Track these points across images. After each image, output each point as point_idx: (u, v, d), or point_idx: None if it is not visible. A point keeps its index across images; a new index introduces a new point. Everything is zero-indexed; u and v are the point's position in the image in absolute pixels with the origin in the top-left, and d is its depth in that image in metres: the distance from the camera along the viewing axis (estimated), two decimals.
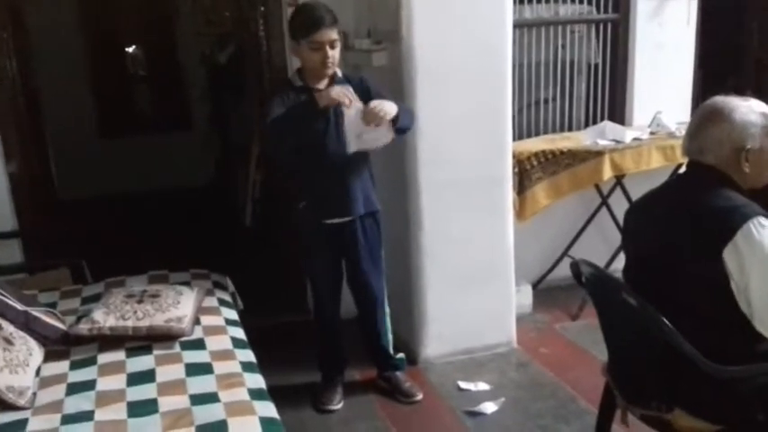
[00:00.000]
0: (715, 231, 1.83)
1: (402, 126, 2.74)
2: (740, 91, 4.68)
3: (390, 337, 3.12)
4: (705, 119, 1.99)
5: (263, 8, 3.69)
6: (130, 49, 6.67)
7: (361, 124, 2.65)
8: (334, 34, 2.67)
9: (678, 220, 1.96)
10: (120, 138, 6.52)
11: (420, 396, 3.07)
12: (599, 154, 3.57)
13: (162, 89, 6.71)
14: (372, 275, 2.96)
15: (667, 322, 1.84)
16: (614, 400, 2.28)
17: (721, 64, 4.55)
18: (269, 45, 3.69)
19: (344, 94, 2.60)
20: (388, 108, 2.63)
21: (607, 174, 3.58)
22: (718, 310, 1.87)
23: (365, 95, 2.72)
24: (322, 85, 2.76)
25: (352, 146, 2.70)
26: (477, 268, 3.30)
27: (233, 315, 2.64)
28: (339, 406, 3.04)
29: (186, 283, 2.81)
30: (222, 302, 2.70)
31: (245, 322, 2.76)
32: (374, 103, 2.62)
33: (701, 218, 1.90)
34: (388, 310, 3.09)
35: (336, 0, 3.49)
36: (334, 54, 2.69)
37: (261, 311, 3.74)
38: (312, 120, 2.65)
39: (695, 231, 1.90)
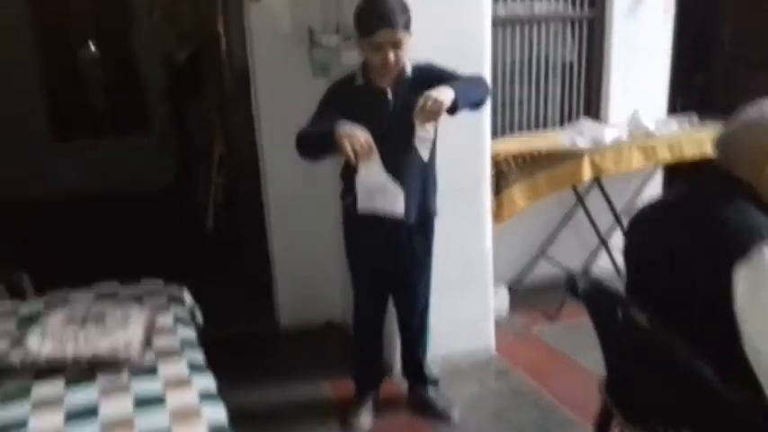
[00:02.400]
0: (730, 248, 1.61)
1: (469, 103, 2.34)
2: (708, 88, 4.65)
3: (428, 351, 2.84)
4: (745, 127, 1.76)
5: (221, 4, 3.36)
6: (85, 48, 6.23)
7: (371, 187, 2.34)
8: (398, 34, 2.29)
9: (693, 232, 1.73)
10: (73, 140, 6.10)
11: (456, 416, 2.78)
12: (578, 155, 3.34)
13: (118, 89, 6.29)
14: (418, 282, 2.67)
15: (684, 345, 1.60)
16: (610, 420, 2.05)
17: (691, 61, 4.37)
18: (229, 44, 3.36)
19: (361, 146, 2.19)
20: (444, 95, 2.22)
21: (586, 175, 3.36)
22: (724, 329, 1.65)
23: (430, 83, 2.32)
24: (387, 82, 2.40)
25: (363, 203, 2.39)
26: (453, 273, 3.04)
27: (190, 334, 2.32)
28: (369, 427, 2.73)
29: (138, 298, 2.48)
30: (178, 320, 2.37)
31: (205, 336, 2.49)
32: (424, 99, 2.22)
33: (717, 231, 1.67)
34: (430, 329, 2.80)
35: None
36: (398, 54, 2.31)
37: (223, 322, 3.45)
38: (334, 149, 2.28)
39: (710, 246, 1.67)
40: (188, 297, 2.66)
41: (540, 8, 3.72)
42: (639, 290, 1.93)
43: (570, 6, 3.77)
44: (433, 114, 2.23)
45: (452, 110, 2.27)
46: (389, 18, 2.27)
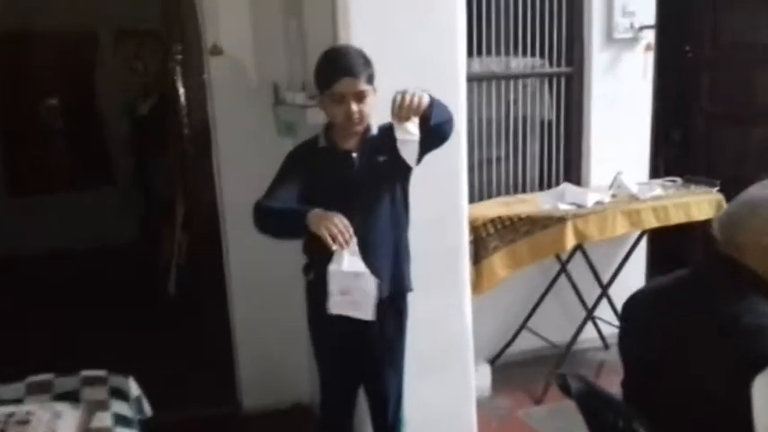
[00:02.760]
0: (746, 354, 1.39)
1: (438, 121, 2.07)
2: (686, 144, 4.53)
3: None
4: (753, 209, 1.55)
5: (179, 56, 3.15)
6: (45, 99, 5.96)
7: (347, 280, 2.06)
8: (360, 84, 2.10)
9: (699, 329, 1.51)
10: (32, 195, 5.80)
11: None
12: (561, 220, 3.14)
13: (80, 142, 6.01)
14: (390, 369, 2.36)
15: None
16: None
17: (667, 118, 4.26)
18: (188, 95, 3.14)
19: (339, 232, 1.97)
20: (419, 93, 2.01)
21: (570, 242, 3.15)
22: None
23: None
24: (351, 144, 2.19)
25: (335, 306, 2.09)
26: (430, 353, 2.75)
27: None
28: None
29: (74, 394, 2.17)
30: (119, 420, 2.07)
31: (158, 421, 2.27)
32: (400, 94, 2.00)
33: (729, 333, 1.45)
34: (405, 419, 2.50)
35: (265, 48, 3.08)
36: (362, 109, 2.12)
37: (179, 403, 3.15)
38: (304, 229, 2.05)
39: (721, 349, 1.45)
40: (134, 388, 2.37)
41: (516, 64, 3.56)
42: (639, 389, 1.72)
43: (548, 63, 3.62)
44: (412, 110, 2.00)
45: (425, 119, 2.06)
46: (350, 68, 2.10)
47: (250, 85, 3.07)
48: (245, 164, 3.10)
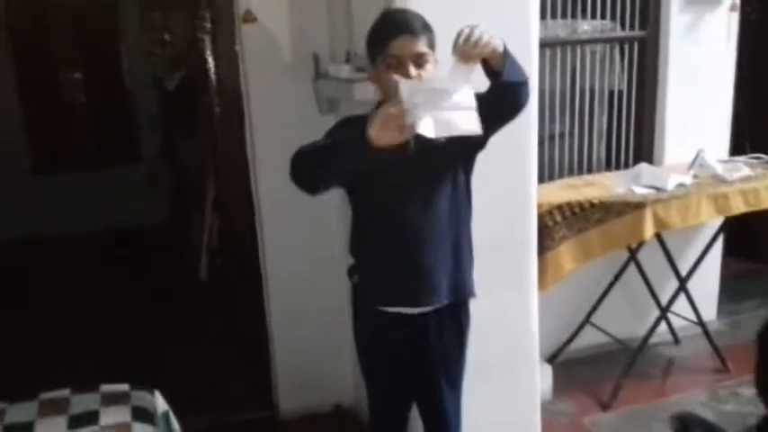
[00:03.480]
0: None
1: (511, 79, 1.67)
2: (763, 128, 4.05)
3: None
4: None
5: (209, 25, 2.80)
6: (69, 73, 5.67)
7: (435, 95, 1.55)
8: (420, 45, 1.73)
9: None
10: (56, 173, 5.54)
11: None
12: (639, 206, 2.74)
13: (106, 118, 5.72)
14: (446, 394, 2.01)
15: None
16: None
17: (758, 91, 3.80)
18: (218, 69, 2.80)
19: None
20: (492, 32, 1.62)
21: (649, 231, 2.76)
22: None
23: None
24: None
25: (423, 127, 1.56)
26: (492, 357, 2.42)
27: None
28: None
29: (92, 416, 1.89)
30: None
31: (186, 427, 2.03)
32: (468, 27, 1.62)
33: None
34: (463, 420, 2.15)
35: (304, 14, 2.72)
36: (422, 75, 1.72)
37: (209, 406, 2.88)
38: (361, 165, 1.70)
39: None
40: (160, 403, 2.08)
41: (583, 28, 3.14)
42: None
43: (618, 26, 3.19)
44: (479, 47, 1.60)
45: (496, 72, 1.67)
46: (408, 25, 1.74)
47: (287, 56, 2.73)
48: (281, 144, 2.72)
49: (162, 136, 5.36)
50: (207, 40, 2.88)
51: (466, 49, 1.62)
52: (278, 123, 2.76)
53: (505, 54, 1.66)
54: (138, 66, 5.58)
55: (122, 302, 4.18)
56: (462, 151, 1.82)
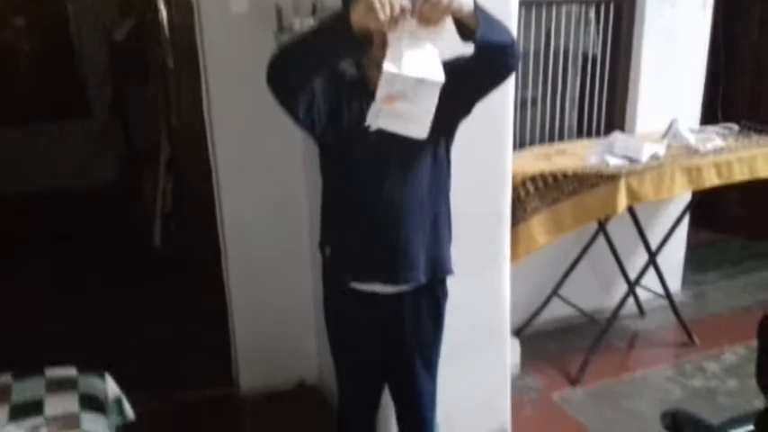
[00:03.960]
0: None
1: (489, 38, 1.51)
2: (732, 96, 3.98)
3: None
4: None
5: None
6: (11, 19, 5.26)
7: (404, 85, 1.46)
8: None
9: None
10: None
11: None
12: (612, 178, 2.65)
13: (52, 68, 5.34)
14: (421, 376, 1.91)
15: None
16: None
17: (716, 61, 3.73)
18: (171, 18, 2.56)
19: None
20: None
21: (622, 204, 2.67)
22: None
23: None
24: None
25: (378, 118, 1.51)
26: (462, 334, 2.33)
27: None
28: None
29: (36, 405, 1.72)
30: None
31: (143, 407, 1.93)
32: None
33: None
34: (438, 423, 2.05)
35: None
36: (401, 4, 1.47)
37: (164, 386, 2.72)
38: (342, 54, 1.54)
39: None
40: (111, 389, 1.92)
41: None
42: None
43: None
44: (441, 7, 1.44)
45: (466, 31, 1.50)
46: None
47: (247, 7, 2.51)
48: (240, 102, 2.57)
49: (112, 90, 5.06)
50: None
51: (425, 10, 1.44)
52: (237, 79, 2.56)
53: (476, 12, 1.48)
54: (85, 14, 5.19)
55: (70, 269, 3.94)
56: (445, 119, 1.64)
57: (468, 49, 1.56)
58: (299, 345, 2.82)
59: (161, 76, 3.66)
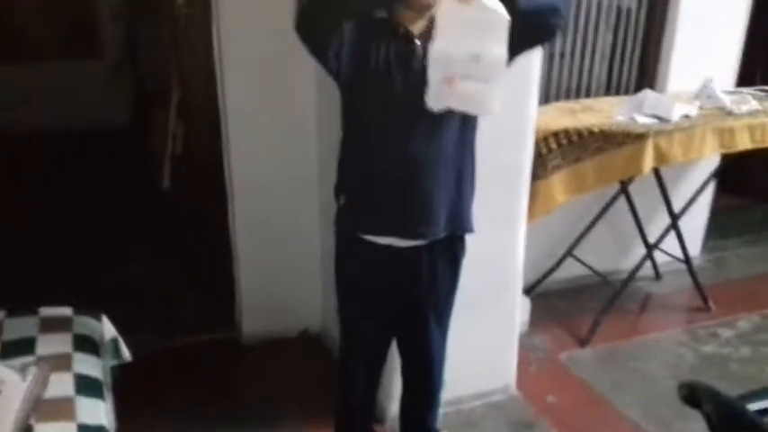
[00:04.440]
0: None
1: (529, 5, 1.42)
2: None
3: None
4: None
5: None
6: None
7: (458, 66, 1.40)
8: None
9: None
10: (5, 64, 5.06)
11: None
12: (640, 137, 2.51)
13: (63, 4, 5.19)
14: (433, 332, 1.84)
15: None
16: None
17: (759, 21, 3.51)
18: None
19: None
20: None
21: (648, 165, 2.54)
22: None
23: None
24: (418, 26, 1.54)
25: (438, 97, 1.47)
26: (475, 292, 2.24)
27: (96, 409, 1.53)
28: None
29: (28, 343, 1.67)
30: (83, 385, 1.57)
31: (142, 349, 1.92)
32: None
33: None
34: (444, 386, 2.00)
35: None
36: None
37: (167, 326, 2.70)
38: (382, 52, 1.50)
39: None
40: (108, 329, 1.87)
41: None
42: None
43: None
44: None
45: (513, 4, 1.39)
46: None
47: None
48: (253, 48, 2.46)
49: (125, 30, 4.92)
50: None
51: None
52: (250, 20, 2.43)
53: None
54: None
55: (78, 208, 3.88)
56: None
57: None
58: (303, 292, 2.76)
59: (171, 17, 3.53)
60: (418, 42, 1.55)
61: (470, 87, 1.44)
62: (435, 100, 1.48)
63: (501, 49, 1.41)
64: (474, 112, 1.54)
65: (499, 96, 1.47)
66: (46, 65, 5.15)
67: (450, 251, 1.76)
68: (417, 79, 1.51)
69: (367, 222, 1.69)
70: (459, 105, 1.49)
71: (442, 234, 1.69)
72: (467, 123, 1.63)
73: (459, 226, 1.73)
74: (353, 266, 1.79)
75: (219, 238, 2.84)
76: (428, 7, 1.50)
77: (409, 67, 1.54)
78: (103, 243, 3.45)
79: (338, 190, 1.75)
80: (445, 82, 1.44)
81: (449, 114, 1.56)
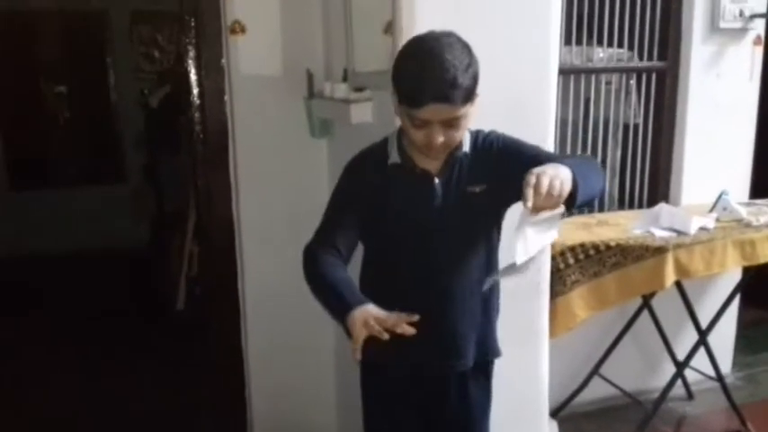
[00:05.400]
0: None
1: (586, 198, 1.41)
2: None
3: None
4: None
5: (194, 36, 2.54)
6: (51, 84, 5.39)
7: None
8: (457, 112, 1.43)
9: None
10: (36, 189, 5.23)
11: None
12: (660, 251, 2.47)
13: (90, 134, 5.43)
14: None
15: None
16: None
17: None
18: (201, 84, 2.54)
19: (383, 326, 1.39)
20: (562, 174, 1.32)
21: (670, 279, 2.48)
22: None
23: (503, 175, 1.51)
24: (434, 163, 1.55)
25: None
26: (497, 415, 2.11)
27: None
28: None
29: None
30: None
31: None
32: (536, 176, 1.31)
33: None
34: None
35: (298, 26, 2.45)
36: (451, 136, 1.47)
37: None
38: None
39: None
40: None
41: (599, 56, 2.90)
42: None
43: (637, 55, 2.95)
44: (553, 198, 1.30)
45: (569, 201, 1.36)
46: (444, 90, 1.39)
47: (278, 72, 2.47)
48: (268, 170, 2.52)
49: (146, 156, 5.08)
50: (190, 53, 2.60)
51: (538, 203, 1.31)
52: (265, 145, 2.51)
53: (576, 182, 1.34)
54: (125, 81, 5.30)
55: (93, 329, 3.92)
56: (498, 206, 1.60)
57: None
58: (317, 415, 2.67)
59: (190, 143, 3.64)
60: (437, 180, 1.55)
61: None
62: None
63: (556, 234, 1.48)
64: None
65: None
66: (70, 189, 5.33)
67: (481, 377, 1.71)
68: (440, 215, 1.53)
69: (391, 353, 1.55)
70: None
71: (470, 363, 1.64)
72: (489, 250, 1.62)
73: (487, 351, 1.68)
74: (379, 393, 1.72)
75: (232, 360, 2.76)
76: (436, 154, 1.51)
77: (431, 205, 1.54)
78: (115, 364, 3.46)
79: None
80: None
81: (473, 246, 1.56)
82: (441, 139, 1.45)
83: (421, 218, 1.55)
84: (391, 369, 1.64)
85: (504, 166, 1.51)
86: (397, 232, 1.57)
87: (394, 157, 1.58)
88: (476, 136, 1.59)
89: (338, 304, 1.47)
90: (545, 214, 1.36)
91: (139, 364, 3.47)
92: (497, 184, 1.53)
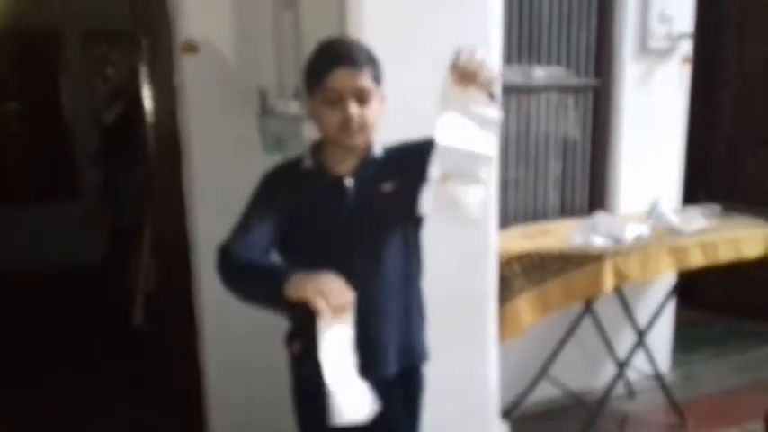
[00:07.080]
0: None
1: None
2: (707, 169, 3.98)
3: None
4: None
5: (147, 57, 2.52)
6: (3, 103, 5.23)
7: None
8: (363, 79, 1.49)
9: None
10: None
11: None
12: (598, 258, 2.54)
13: (42, 151, 5.28)
14: None
15: None
16: None
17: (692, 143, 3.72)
18: (155, 102, 2.51)
19: (338, 303, 1.38)
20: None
21: (609, 284, 2.55)
22: None
23: (412, 168, 1.52)
24: (346, 167, 1.56)
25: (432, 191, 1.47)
26: (448, 420, 2.15)
27: None
28: None
29: None
30: None
31: None
32: (461, 55, 1.37)
33: None
34: None
35: (250, 45, 2.45)
36: (364, 113, 1.50)
37: None
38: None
39: None
40: None
41: (537, 74, 2.98)
42: None
43: (574, 73, 3.05)
44: (482, 74, 1.36)
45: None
46: (349, 57, 1.50)
47: (231, 90, 2.46)
48: (222, 185, 2.49)
49: (102, 172, 4.97)
50: (143, 70, 2.58)
51: (467, 68, 1.36)
52: (219, 162, 2.49)
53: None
54: (78, 98, 5.19)
55: (50, 347, 3.81)
56: (412, 204, 1.56)
57: None
58: (278, 427, 2.60)
59: (144, 160, 3.59)
60: (350, 180, 1.56)
61: (460, 189, 1.42)
62: (429, 203, 1.44)
63: (492, 146, 1.41)
64: (460, 217, 1.47)
65: (482, 199, 1.46)
66: (24, 207, 5.17)
67: (407, 385, 1.68)
68: (351, 216, 1.54)
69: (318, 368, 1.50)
70: (448, 211, 1.45)
71: (393, 371, 1.62)
72: (408, 257, 1.61)
73: (412, 358, 1.67)
74: (310, 409, 1.64)
75: (191, 377, 2.72)
76: (353, 135, 1.52)
77: (343, 209, 1.54)
78: (71, 381, 3.34)
79: (291, 338, 1.67)
80: (441, 181, 1.40)
81: (389, 251, 1.56)
82: (355, 110, 1.48)
83: (334, 223, 1.54)
84: (313, 377, 1.54)
85: (412, 162, 1.53)
86: (311, 240, 1.55)
87: (307, 164, 1.59)
88: (387, 146, 1.62)
89: (271, 276, 1.44)
90: (475, 105, 1.34)
91: (98, 380, 3.36)
92: (408, 180, 1.53)
